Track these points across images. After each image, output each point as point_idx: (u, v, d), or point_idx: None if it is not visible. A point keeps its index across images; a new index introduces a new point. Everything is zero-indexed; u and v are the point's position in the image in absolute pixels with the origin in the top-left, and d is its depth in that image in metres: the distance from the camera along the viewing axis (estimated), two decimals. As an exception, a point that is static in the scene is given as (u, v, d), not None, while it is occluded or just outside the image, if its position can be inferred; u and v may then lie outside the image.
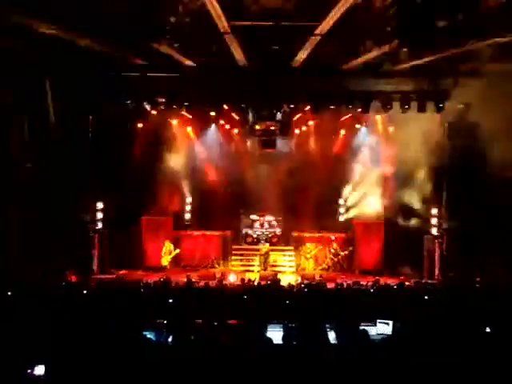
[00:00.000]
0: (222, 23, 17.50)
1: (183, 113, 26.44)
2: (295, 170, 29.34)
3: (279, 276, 24.09)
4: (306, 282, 22.70)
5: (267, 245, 28.42)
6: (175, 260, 28.30)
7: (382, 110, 24.30)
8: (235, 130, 29.22)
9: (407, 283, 21.45)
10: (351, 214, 29.83)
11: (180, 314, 13.23)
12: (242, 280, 22.10)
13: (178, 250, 27.83)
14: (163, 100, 24.55)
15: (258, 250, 28.16)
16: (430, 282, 23.88)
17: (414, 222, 26.12)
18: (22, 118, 22.18)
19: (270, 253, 27.64)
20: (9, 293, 15.75)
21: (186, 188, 29.58)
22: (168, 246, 27.51)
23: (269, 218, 29.96)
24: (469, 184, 23.32)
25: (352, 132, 28.63)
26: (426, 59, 20.41)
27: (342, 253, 28.14)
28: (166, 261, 27.28)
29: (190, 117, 27.10)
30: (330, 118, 26.58)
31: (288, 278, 23.59)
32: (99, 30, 17.09)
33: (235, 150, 29.99)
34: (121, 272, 25.26)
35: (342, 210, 30.24)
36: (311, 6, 18.63)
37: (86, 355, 7.63)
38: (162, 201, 28.27)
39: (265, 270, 26.64)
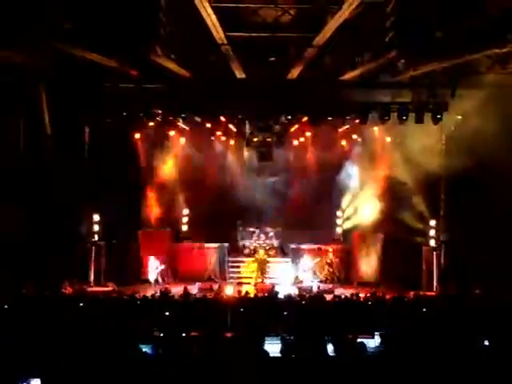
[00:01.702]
0: (219, 34, 17.51)
1: (180, 124, 26.37)
2: (292, 182, 29.35)
3: (277, 288, 23.99)
4: (303, 294, 22.63)
5: (265, 251, 28.26)
6: (173, 273, 28.23)
7: (380, 121, 24.26)
8: (232, 142, 29.16)
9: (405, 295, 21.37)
10: (349, 225, 29.78)
11: (176, 327, 13.17)
12: (239, 292, 22.01)
13: (162, 267, 27.51)
14: (160, 111, 24.52)
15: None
16: (428, 294, 23.81)
17: (412, 234, 26.09)
18: (18, 131, 22.13)
19: (268, 260, 27.54)
20: (5, 306, 15.69)
21: (182, 200, 29.48)
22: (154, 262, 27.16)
23: (266, 229, 29.86)
24: (467, 195, 23.27)
25: (350, 143, 28.55)
26: (424, 70, 20.42)
27: (336, 261, 27.99)
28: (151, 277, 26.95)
29: (187, 128, 27.02)
30: (328, 129, 26.54)
31: (285, 290, 23.45)
32: (95, 41, 17.08)
33: (232, 161, 29.93)
34: (109, 285, 25.16)
35: (339, 221, 30.21)
36: (308, 17, 18.68)
37: (82, 368, 7.58)
38: (159, 213, 28.23)
39: (262, 279, 26.51)
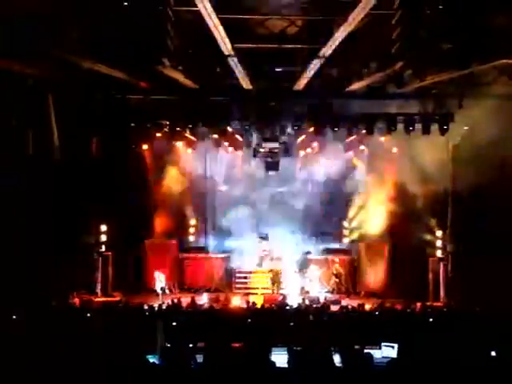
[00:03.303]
0: (226, 46, 17.56)
1: (187, 135, 26.42)
2: (299, 192, 29.38)
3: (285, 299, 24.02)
4: (310, 304, 22.63)
5: (280, 263, 28.30)
6: (179, 283, 28.29)
7: (387, 131, 24.28)
8: (239, 152, 29.18)
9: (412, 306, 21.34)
10: (355, 235, 29.77)
11: (183, 337, 13.19)
12: (247, 303, 22.00)
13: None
14: (167, 122, 24.59)
15: (262, 272, 28.05)
16: (435, 304, 23.77)
17: (419, 244, 26.08)
18: (26, 140, 22.19)
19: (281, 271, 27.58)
20: (13, 316, 15.73)
21: (189, 210, 29.53)
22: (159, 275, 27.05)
23: (273, 239, 29.87)
24: (474, 206, 23.22)
25: (357, 154, 28.54)
26: (431, 81, 20.43)
27: (342, 272, 27.95)
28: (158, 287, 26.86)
29: (194, 139, 27.05)
30: (335, 139, 26.54)
31: (293, 301, 23.43)
32: (104, 53, 17.16)
33: (239, 171, 29.95)
34: (116, 295, 25.20)
35: (346, 231, 30.19)
36: (315, 28, 18.74)
37: (90, 379, 7.60)
38: (165, 223, 28.29)
39: (277, 290, 26.53)
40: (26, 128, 21.97)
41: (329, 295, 26.45)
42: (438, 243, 26.12)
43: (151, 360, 8.81)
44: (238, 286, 28.36)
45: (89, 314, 17.56)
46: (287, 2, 18.00)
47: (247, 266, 28.95)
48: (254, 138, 26.91)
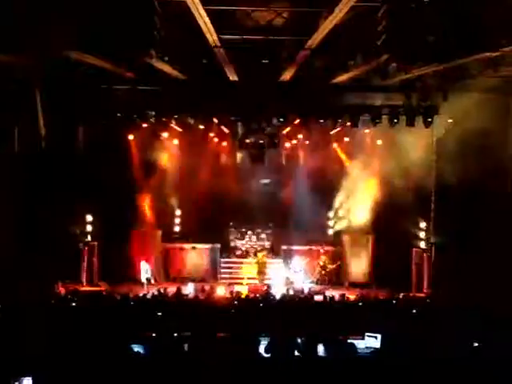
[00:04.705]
0: (212, 37, 17.56)
1: (173, 126, 26.42)
2: (284, 183, 29.51)
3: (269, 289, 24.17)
4: (294, 295, 22.77)
5: (264, 253, 28.46)
6: (164, 273, 28.41)
7: (371, 124, 24.37)
8: (225, 143, 29.23)
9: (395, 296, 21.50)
10: (340, 226, 29.90)
11: (168, 327, 13.23)
12: (231, 293, 22.10)
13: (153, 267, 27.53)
14: (153, 113, 24.58)
15: (247, 262, 28.20)
16: (418, 295, 23.96)
17: (402, 236, 26.23)
18: (12, 130, 22.17)
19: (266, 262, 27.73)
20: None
21: (175, 201, 29.58)
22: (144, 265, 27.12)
23: (258, 230, 30.00)
24: (458, 198, 23.36)
25: (341, 145, 28.64)
26: (416, 74, 20.52)
27: (330, 266, 28.12)
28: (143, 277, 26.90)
29: (180, 130, 27.05)
30: (320, 131, 26.62)
31: (277, 291, 23.55)
32: (90, 44, 17.12)
33: (224, 162, 30.01)
34: (101, 285, 25.28)
35: (330, 222, 30.35)
36: (301, 20, 18.76)
37: (73, 368, 7.64)
38: (151, 213, 28.35)
39: (261, 280, 26.68)
40: (12, 119, 21.95)
41: (313, 286, 26.59)
42: (422, 234, 26.31)
43: (135, 349, 8.88)
44: (223, 276, 28.52)
45: (74, 304, 17.61)
46: (274, -7, 18.08)
47: (232, 257, 29.16)
48: (240, 130, 26.96)
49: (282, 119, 25.29)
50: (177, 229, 30.39)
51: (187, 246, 29.28)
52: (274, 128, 26.37)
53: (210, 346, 8.76)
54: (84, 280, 26.01)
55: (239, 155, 29.33)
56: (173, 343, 8.81)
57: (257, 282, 26.84)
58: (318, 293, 23.65)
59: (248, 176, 29.48)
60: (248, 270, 27.93)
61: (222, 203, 29.05)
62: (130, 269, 27.57)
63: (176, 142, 28.32)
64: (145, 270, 26.47)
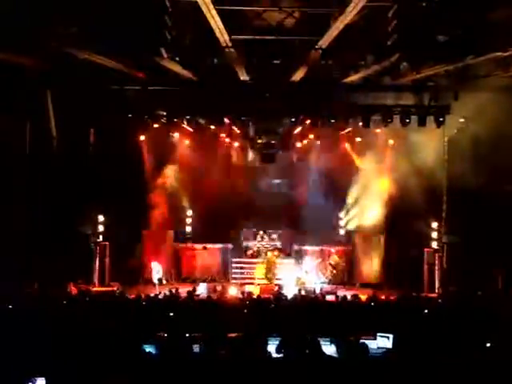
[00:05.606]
0: (224, 37, 17.58)
1: (184, 126, 26.43)
2: (296, 183, 29.50)
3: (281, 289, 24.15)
4: (306, 295, 22.72)
5: (275, 253, 28.39)
6: (176, 274, 28.47)
7: (383, 123, 24.33)
8: (236, 144, 29.25)
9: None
10: (351, 226, 29.85)
11: (181, 327, 13.25)
12: (243, 293, 22.09)
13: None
14: (164, 113, 24.61)
15: (258, 263, 28.13)
16: (429, 295, 23.88)
17: (414, 236, 26.17)
18: (24, 131, 22.27)
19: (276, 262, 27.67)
20: (9, 306, 15.78)
21: (186, 201, 29.62)
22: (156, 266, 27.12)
23: (269, 231, 29.96)
24: (469, 198, 23.28)
25: (353, 145, 28.62)
26: (427, 73, 20.50)
27: (341, 263, 28.05)
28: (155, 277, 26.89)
29: (192, 130, 27.06)
30: (331, 131, 26.59)
31: (289, 292, 23.52)
32: (101, 44, 17.18)
33: (236, 163, 30.05)
34: (113, 285, 25.30)
35: (342, 222, 30.32)
36: (312, 20, 18.76)
37: (86, 368, 7.66)
38: (163, 214, 28.36)
39: (269, 280, 26.61)
40: (24, 120, 22.04)
41: (324, 286, 26.54)
42: (434, 235, 26.24)
43: (147, 350, 8.90)
44: (234, 276, 28.51)
45: (86, 304, 17.65)
46: (285, -7, 18.10)
47: (244, 257, 29.17)
48: (251, 130, 26.96)
49: (293, 119, 25.31)
50: (188, 229, 30.38)
51: (199, 246, 29.27)
52: (285, 128, 26.38)
53: (221, 346, 8.75)
54: (96, 280, 26.07)
55: (250, 155, 29.35)
56: (185, 343, 8.81)
57: (270, 282, 26.73)
58: (329, 293, 23.59)
59: (259, 176, 29.50)
60: (259, 270, 27.87)
61: (233, 203, 28.99)
62: (141, 269, 27.60)
63: (187, 142, 28.38)
64: (156, 271, 26.46)
